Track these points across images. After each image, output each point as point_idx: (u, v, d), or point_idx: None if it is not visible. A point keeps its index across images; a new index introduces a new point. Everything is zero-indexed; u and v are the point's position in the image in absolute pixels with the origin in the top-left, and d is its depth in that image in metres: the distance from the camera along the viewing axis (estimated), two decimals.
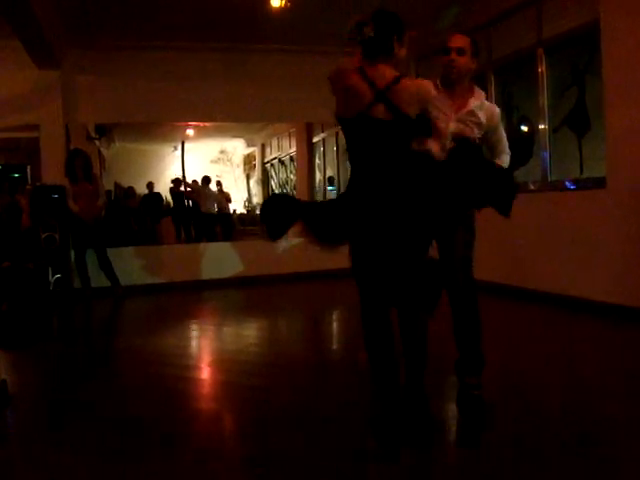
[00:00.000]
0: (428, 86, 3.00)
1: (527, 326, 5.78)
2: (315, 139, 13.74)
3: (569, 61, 6.69)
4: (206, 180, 14.48)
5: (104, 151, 15.93)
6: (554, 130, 6.84)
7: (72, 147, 8.49)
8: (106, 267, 8.08)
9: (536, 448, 2.86)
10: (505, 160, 3.61)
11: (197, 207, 14.18)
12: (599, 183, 5.94)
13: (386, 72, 2.96)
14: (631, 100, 5.50)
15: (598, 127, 6.19)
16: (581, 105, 6.64)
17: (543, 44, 6.80)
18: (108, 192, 12.80)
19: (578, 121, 6.70)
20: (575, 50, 6.58)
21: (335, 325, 6.97)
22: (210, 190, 14.55)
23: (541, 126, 6.88)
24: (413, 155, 3.04)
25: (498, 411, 3.40)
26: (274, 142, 17.66)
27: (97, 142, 13.71)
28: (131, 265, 8.76)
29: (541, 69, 6.82)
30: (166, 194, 15.77)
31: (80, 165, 7.89)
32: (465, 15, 7.70)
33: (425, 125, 3.04)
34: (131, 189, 14.60)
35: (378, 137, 2.96)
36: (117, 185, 16.43)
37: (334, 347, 5.86)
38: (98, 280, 8.06)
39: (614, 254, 5.70)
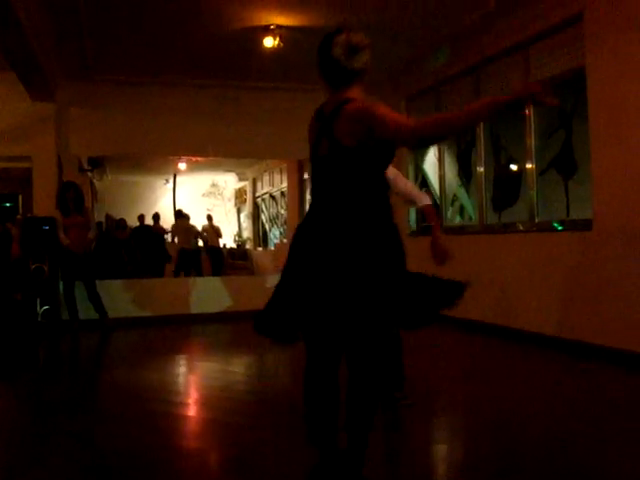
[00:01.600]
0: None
1: (512, 365, 5.79)
2: (306, 175, 13.82)
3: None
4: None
5: (96, 183, 15.98)
6: (541, 172, 6.93)
7: (64, 179, 8.53)
8: (94, 299, 8.05)
9: None
10: None
11: None
12: (586, 225, 6.01)
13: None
14: (617, 144, 5.60)
15: (584, 170, 6.28)
16: (568, 148, 6.75)
17: None
18: (99, 224, 12.82)
19: (565, 164, 6.80)
20: (562, 94, 6.71)
21: None
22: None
23: (528, 166, 6.97)
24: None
25: (485, 444, 3.41)
26: (265, 177, 17.76)
27: (89, 174, 13.77)
28: (120, 298, 8.74)
29: (528, 111, 6.93)
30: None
31: (71, 197, 7.91)
32: (454, 58, 7.87)
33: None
34: (122, 221, 14.59)
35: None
36: (108, 216, 16.44)
37: None
38: (86, 312, 8.03)
39: (599, 295, 5.74)
